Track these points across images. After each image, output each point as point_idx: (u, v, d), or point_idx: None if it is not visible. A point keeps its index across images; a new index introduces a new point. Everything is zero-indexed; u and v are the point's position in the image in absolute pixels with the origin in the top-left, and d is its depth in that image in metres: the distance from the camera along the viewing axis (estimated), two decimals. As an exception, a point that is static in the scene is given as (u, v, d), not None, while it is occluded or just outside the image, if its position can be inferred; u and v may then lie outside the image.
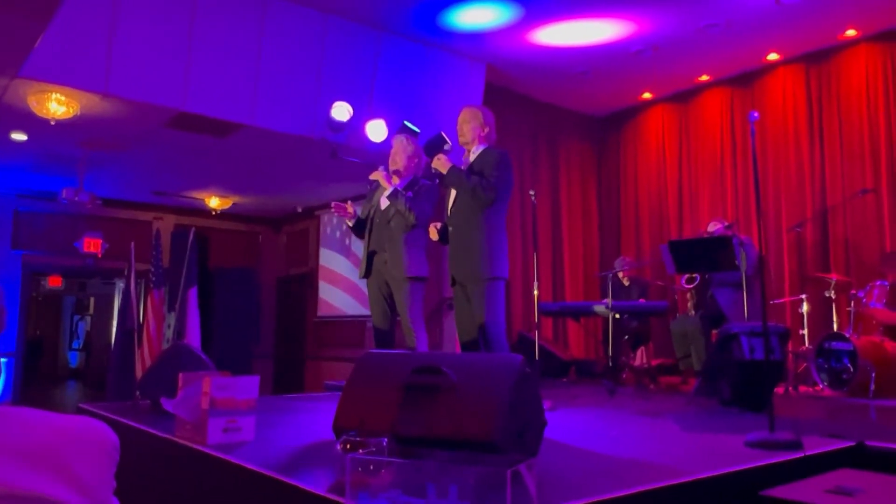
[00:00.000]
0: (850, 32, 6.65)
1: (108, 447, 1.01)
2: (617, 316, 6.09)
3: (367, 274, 4.34)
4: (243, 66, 5.73)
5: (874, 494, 2.14)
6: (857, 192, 6.44)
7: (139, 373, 6.25)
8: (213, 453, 2.49)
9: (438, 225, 4.04)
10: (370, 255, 4.32)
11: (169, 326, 6.95)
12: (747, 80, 7.57)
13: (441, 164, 3.93)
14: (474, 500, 1.61)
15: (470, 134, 4.02)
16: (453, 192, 3.98)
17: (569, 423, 3.60)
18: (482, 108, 4.17)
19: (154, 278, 7.26)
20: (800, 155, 7.10)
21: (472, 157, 4.01)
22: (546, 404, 3.49)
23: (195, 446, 2.62)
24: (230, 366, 3.44)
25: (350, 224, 4.42)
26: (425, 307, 4.34)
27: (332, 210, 4.35)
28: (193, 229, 6.71)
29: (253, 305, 9.72)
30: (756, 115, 3.21)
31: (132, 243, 5.75)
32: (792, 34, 6.64)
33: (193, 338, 6.71)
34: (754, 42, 6.82)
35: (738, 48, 6.93)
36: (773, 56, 7.18)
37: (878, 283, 5.49)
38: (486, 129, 4.04)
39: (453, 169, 3.89)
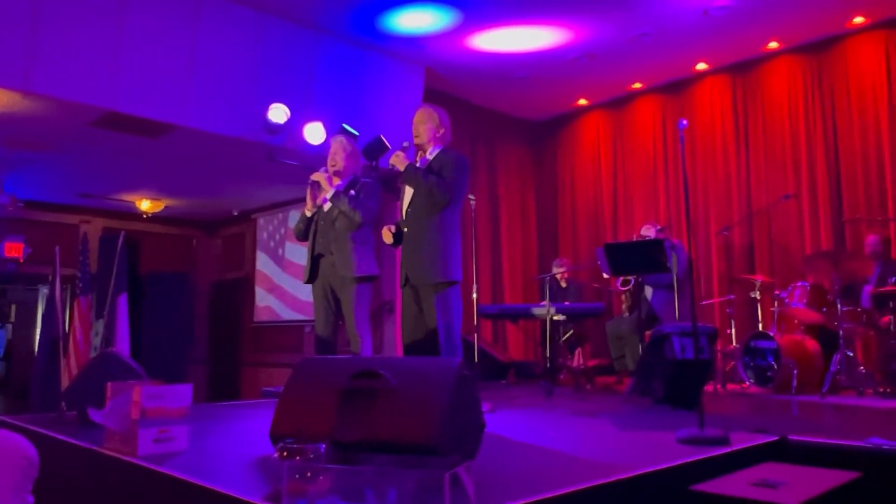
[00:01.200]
0: (773, 44, 6.96)
1: (22, 462, 0.96)
2: (555, 318, 6.19)
3: (311, 278, 4.25)
4: (176, 64, 5.58)
5: (795, 486, 2.24)
6: (780, 197, 6.75)
7: (65, 383, 5.99)
8: (144, 464, 2.41)
9: (392, 227, 3.97)
10: (315, 259, 4.24)
11: (97, 334, 6.70)
12: (677, 88, 7.83)
13: (398, 161, 3.87)
14: (413, 503, 1.61)
15: (426, 135, 3.97)
16: (408, 193, 3.92)
17: (508, 424, 3.64)
18: (438, 108, 4.10)
19: (81, 284, 6.97)
20: (727, 161, 7.39)
21: (429, 159, 3.95)
22: (485, 406, 3.52)
23: (125, 458, 2.53)
24: (162, 374, 3.34)
25: (307, 214, 4.31)
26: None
27: (310, 187, 4.25)
28: (123, 233, 6.49)
29: (186, 311, 9.45)
30: (685, 122, 3.32)
31: (57, 247, 5.53)
32: (719, 45, 6.90)
33: (123, 345, 6.48)
34: (684, 52, 7.06)
35: (668, 57, 7.17)
36: (701, 66, 7.45)
37: (799, 283, 5.75)
38: (442, 130, 4.00)
39: (410, 167, 3.84)
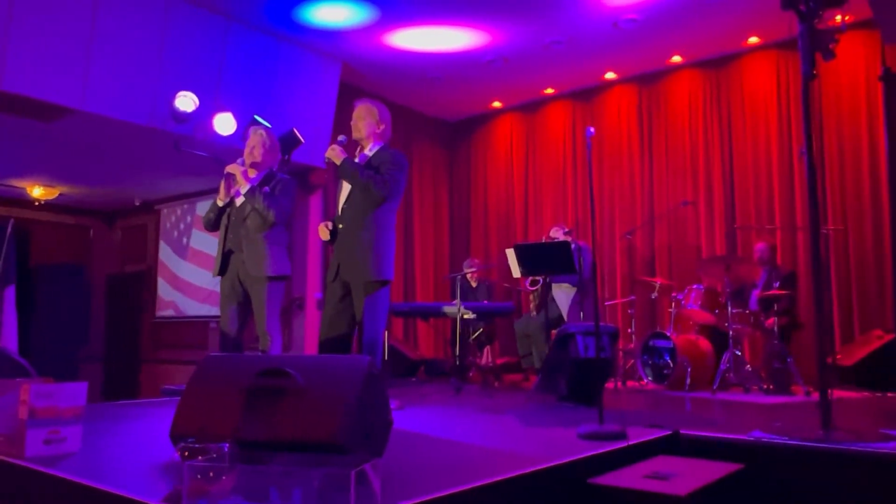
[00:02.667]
0: (676, 58, 7.32)
1: None
2: (465, 316, 6.28)
3: (221, 272, 4.12)
4: (73, 44, 5.27)
5: (685, 477, 2.38)
6: (679, 203, 7.10)
7: (-58, 381, 5.58)
8: (33, 467, 2.29)
9: (329, 224, 3.88)
10: (226, 255, 4.10)
11: (-20, 328, 6.26)
12: (587, 95, 8.10)
13: (335, 155, 3.76)
14: (318, 502, 1.61)
15: (365, 130, 3.89)
16: (345, 189, 3.85)
17: (416, 421, 3.67)
18: (378, 104, 4.02)
19: (-38, 275, 6.50)
20: (632, 168, 7.71)
21: (368, 155, 3.88)
22: (394, 404, 3.54)
23: (10, 460, 2.39)
24: (53, 371, 3.18)
25: (220, 204, 4.14)
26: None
27: (225, 177, 4.08)
28: (12, 221, 6.09)
29: (81, 305, 8.97)
30: (592, 130, 3.45)
31: (-64, 235, 5.12)
32: (627, 56, 7.19)
33: (10, 341, 6.09)
34: (594, 61, 7.31)
35: (579, 65, 7.40)
36: (610, 75, 7.74)
37: (694, 286, 6.07)
38: (382, 127, 3.93)
39: (347, 161, 3.75)
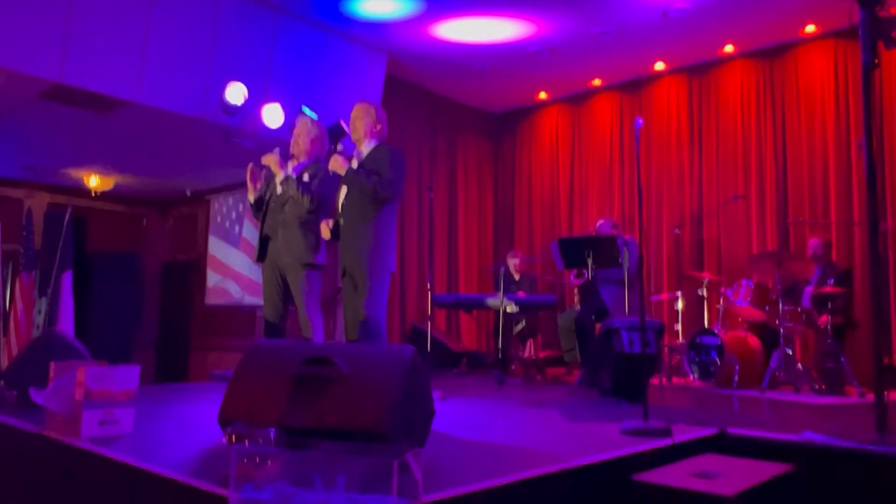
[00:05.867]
0: (728, 48, 7.13)
1: None
2: (508, 309, 6.26)
3: (260, 258, 4.25)
4: (129, 37, 5.41)
5: (732, 477, 2.32)
6: (730, 197, 6.93)
7: (4, 362, 5.82)
8: (87, 447, 2.37)
9: (330, 222, 4.04)
10: (264, 240, 4.23)
11: (39, 312, 6.51)
12: (636, 86, 7.95)
13: (337, 165, 3.90)
14: (361, 489, 1.63)
15: (362, 130, 4.04)
16: (344, 187, 3.99)
17: (458, 412, 3.67)
18: (375, 104, 4.19)
19: (24, 260, 6.76)
20: (681, 160, 7.55)
21: (364, 153, 4.01)
22: (436, 395, 3.55)
23: (67, 440, 2.48)
24: (108, 355, 3.28)
25: (251, 200, 4.30)
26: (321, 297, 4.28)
27: (249, 173, 4.25)
28: (70, 209, 6.31)
29: (134, 292, 9.23)
30: (641, 121, 3.39)
31: (-1, 222, 5.34)
32: (677, 46, 7.03)
33: (67, 325, 6.32)
34: (643, 51, 7.18)
35: (628, 56, 7.27)
36: (659, 65, 7.58)
37: (744, 282, 5.93)
38: (379, 126, 4.07)
39: (350, 171, 3.89)
